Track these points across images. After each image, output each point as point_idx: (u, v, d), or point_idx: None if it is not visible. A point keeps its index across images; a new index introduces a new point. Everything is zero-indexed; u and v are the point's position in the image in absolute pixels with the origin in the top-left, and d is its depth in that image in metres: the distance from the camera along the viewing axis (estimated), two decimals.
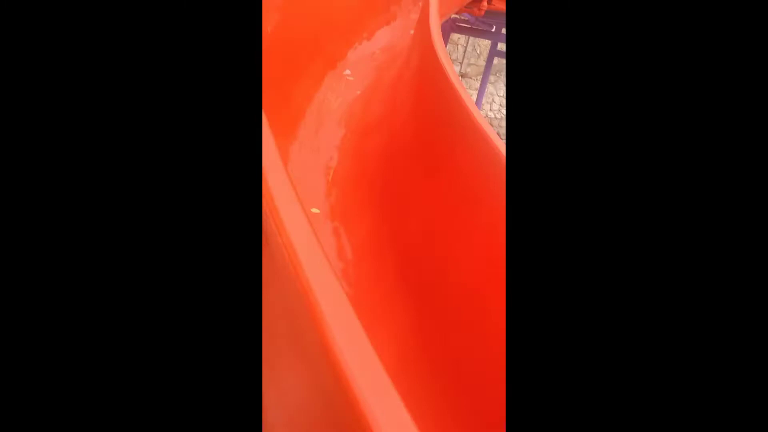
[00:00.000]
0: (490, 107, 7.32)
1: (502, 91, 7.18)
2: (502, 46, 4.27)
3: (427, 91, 1.57)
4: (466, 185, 1.18)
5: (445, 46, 1.63)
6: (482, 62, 6.62)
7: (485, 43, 6.18)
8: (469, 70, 6.86)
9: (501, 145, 1.00)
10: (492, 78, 6.51)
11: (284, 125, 1.75)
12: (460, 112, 1.18)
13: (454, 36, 5.24)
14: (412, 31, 2.57)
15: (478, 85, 6.31)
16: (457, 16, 3.29)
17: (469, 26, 3.72)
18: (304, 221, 0.67)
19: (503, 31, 3.76)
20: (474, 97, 4.97)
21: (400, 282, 1.13)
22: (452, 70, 1.34)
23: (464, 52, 6.66)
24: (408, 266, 1.17)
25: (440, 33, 1.58)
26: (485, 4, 2.85)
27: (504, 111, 7.25)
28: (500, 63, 6.43)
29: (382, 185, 1.53)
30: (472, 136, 1.12)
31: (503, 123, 7.19)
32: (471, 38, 6.07)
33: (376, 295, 1.14)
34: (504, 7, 3.17)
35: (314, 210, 1.42)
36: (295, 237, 0.64)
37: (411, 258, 1.18)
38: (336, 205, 1.48)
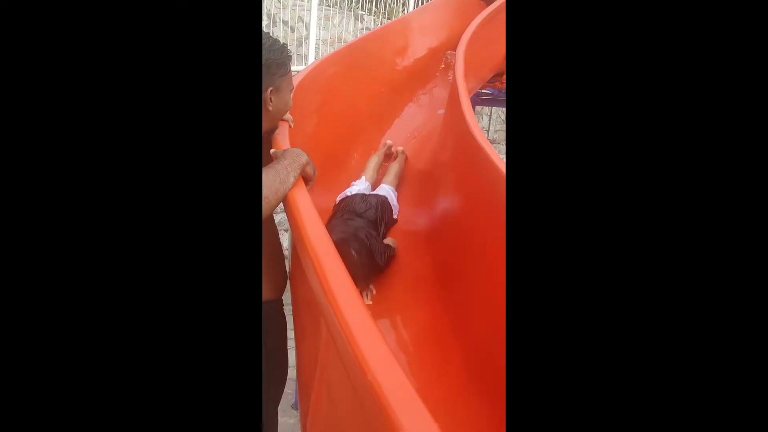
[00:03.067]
0: None
1: None
2: None
3: (467, 170, 1.61)
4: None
5: None
6: None
7: None
8: (496, 136, 7.06)
9: None
10: None
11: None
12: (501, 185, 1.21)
13: (478, 108, 5.44)
14: (440, 111, 2.68)
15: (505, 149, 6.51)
16: (480, 90, 3.42)
17: (492, 98, 3.86)
18: (366, 315, 0.67)
19: None
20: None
21: (468, 373, 1.10)
22: (492, 150, 1.38)
23: (489, 120, 6.88)
24: (475, 356, 1.14)
25: (473, 115, 1.64)
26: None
27: None
28: None
29: (434, 271, 1.53)
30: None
31: None
32: (494, 107, 6.31)
33: (443, 389, 1.10)
34: None
35: (368, 302, 1.43)
36: (357, 331, 0.64)
37: (478, 347, 1.15)
38: (390, 294, 1.49)
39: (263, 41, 1.06)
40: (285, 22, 4.74)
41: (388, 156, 2.33)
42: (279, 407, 1.25)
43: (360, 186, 1.96)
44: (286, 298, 1.21)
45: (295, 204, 0.93)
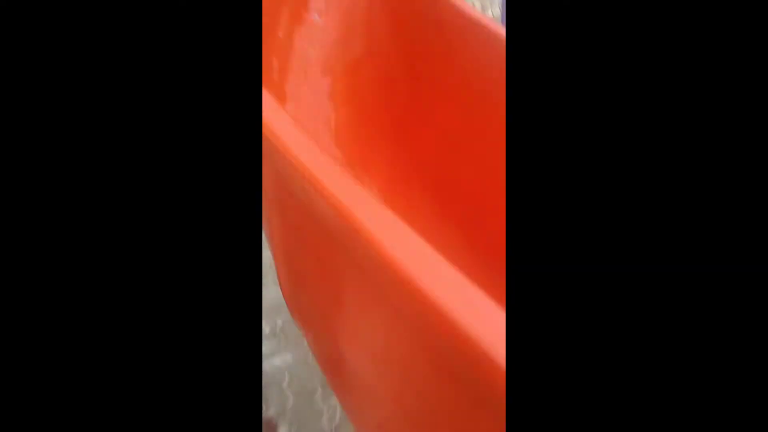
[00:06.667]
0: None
1: None
2: None
3: (408, 12, 1.48)
4: (477, 88, 1.12)
5: None
6: None
7: None
8: None
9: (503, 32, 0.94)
10: None
11: (271, 87, 1.68)
12: (457, 16, 1.12)
13: None
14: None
15: None
16: None
17: None
18: (336, 169, 0.63)
19: None
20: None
21: (439, 216, 1.11)
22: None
23: None
24: (443, 196, 1.14)
25: None
26: None
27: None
28: None
29: (388, 127, 1.48)
30: (475, 36, 1.06)
31: None
32: None
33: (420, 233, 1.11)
34: None
35: None
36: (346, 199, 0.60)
37: (447, 188, 1.15)
38: (348, 156, 1.44)
39: None
40: None
41: None
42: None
43: None
44: None
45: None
